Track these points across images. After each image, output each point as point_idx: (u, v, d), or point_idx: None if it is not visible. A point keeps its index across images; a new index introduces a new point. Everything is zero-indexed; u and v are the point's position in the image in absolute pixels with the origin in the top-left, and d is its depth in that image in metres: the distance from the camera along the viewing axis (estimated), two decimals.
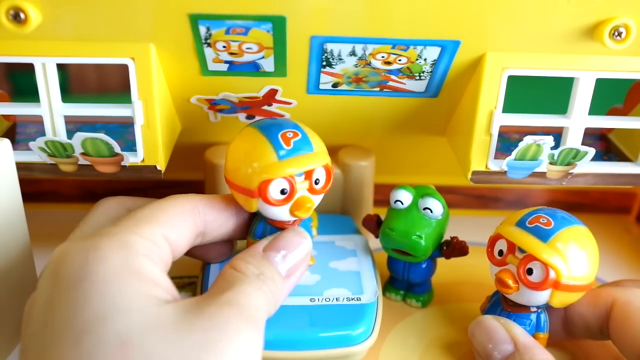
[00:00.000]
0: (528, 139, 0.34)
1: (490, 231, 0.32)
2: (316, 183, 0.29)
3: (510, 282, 0.29)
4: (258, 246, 0.28)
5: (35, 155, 0.34)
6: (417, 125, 0.40)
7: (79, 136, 0.33)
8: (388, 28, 0.31)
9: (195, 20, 0.30)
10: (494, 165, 0.35)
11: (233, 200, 0.30)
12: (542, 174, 0.36)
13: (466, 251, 0.35)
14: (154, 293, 0.23)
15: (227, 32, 0.31)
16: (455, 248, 0.34)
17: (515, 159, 0.34)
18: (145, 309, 0.23)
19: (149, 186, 0.47)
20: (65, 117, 0.34)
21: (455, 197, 0.48)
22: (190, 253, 0.32)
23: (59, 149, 0.33)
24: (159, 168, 0.35)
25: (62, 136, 0.34)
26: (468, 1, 0.30)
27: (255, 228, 0.31)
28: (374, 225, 0.36)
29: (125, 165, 0.34)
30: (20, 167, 0.35)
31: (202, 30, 0.31)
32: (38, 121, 0.39)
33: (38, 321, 0.23)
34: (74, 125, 0.40)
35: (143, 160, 0.34)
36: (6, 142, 0.29)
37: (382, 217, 0.36)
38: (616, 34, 0.31)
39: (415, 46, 0.32)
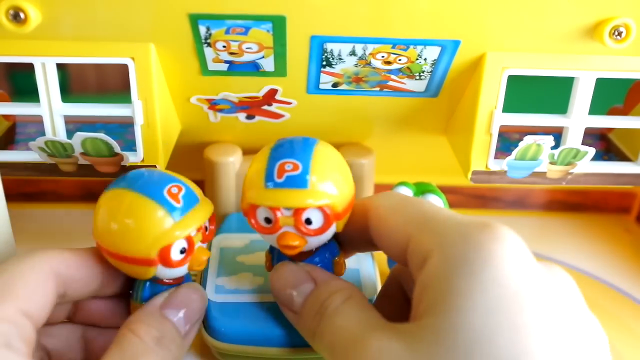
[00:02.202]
0: (528, 139, 0.33)
1: None
2: (206, 230, 0.28)
3: (297, 242, 0.27)
4: (154, 304, 0.27)
5: (35, 155, 0.34)
6: (417, 125, 0.40)
7: (79, 136, 0.33)
8: (388, 28, 0.31)
9: (195, 20, 0.30)
10: (494, 165, 0.35)
11: (98, 254, 0.28)
12: (542, 174, 0.36)
13: None
14: None
15: (227, 32, 0.31)
16: None
17: (515, 159, 0.34)
18: None
19: None
20: (65, 117, 0.34)
21: (455, 197, 0.48)
22: (73, 319, 0.29)
23: (59, 149, 0.33)
24: (158, 168, 0.34)
25: (62, 136, 0.34)
26: (468, 1, 0.30)
27: (142, 291, 0.28)
28: None
29: (125, 165, 0.34)
30: (20, 167, 0.35)
31: (202, 30, 0.31)
32: (38, 121, 0.39)
33: None
34: (73, 125, 0.40)
35: (143, 160, 0.34)
36: None
37: None
38: (616, 33, 0.31)
39: (415, 46, 0.32)
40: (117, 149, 0.33)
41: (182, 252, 0.27)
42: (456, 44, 0.32)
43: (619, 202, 0.48)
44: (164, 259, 0.26)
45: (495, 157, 0.35)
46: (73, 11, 0.30)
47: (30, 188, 0.46)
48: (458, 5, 0.30)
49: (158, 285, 0.28)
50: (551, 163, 0.35)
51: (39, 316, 0.24)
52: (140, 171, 0.28)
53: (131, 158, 0.34)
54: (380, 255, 0.36)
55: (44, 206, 0.47)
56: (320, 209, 0.26)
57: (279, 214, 0.27)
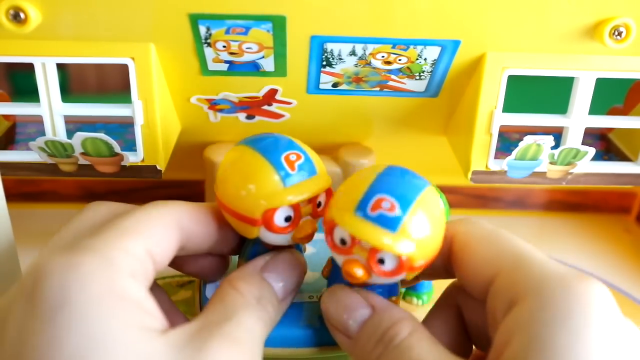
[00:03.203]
0: (528, 139, 0.33)
1: None
2: (318, 206, 0.28)
3: (360, 272, 0.26)
4: (255, 265, 0.27)
5: (35, 155, 0.34)
6: (417, 125, 0.40)
7: (79, 136, 0.33)
8: (388, 28, 0.31)
9: (195, 20, 0.30)
10: (494, 165, 0.35)
11: (218, 212, 0.28)
12: (542, 174, 0.36)
13: None
14: (144, 323, 0.21)
15: (227, 32, 0.31)
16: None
17: (515, 159, 0.34)
18: (134, 345, 0.20)
19: (149, 186, 0.47)
20: (65, 117, 0.34)
21: (455, 197, 0.48)
22: (181, 268, 0.30)
23: (59, 149, 0.33)
24: (159, 168, 0.35)
25: (62, 136, 0.34)
26: (468, 1, 0.30)
27: (249, 251, 0.29)
28: None
29: (125, 165, 0.34)
30: (20, 167, 0.35)
31: (202, 30, 0.31)
32: (38, 121, 0.39)
33: (11, 352, 0.20)
34: (73, 125, 0.40)
35: (143, 160, 0.34)
36: None
37: None
38: (616, 33, 0.31)
39: (415, 46, 0.32)
40: (117, 149, 0.33)
41: (287, 219, 0.27)
42: (456, 44, 0.32)
43: (619, 202, 0.48)
44: (267, 222, 0.26)
45: (495, 157, 0.35)
46: (73, 11, 0.30)
47: (30, 188, 0.46)
48: (458, 5, 0.30)
49: (265, 248, 0.28)
50: (551, 163, 0.35)
51: (161, 260, 0.25)
52: (269, 134, 0.28)
53: (131, 158, 0.34)
54: None
55: (44, 206, 0.47)
56: (398, 256, 0.25)
57: (356, 242, 0.26)
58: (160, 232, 0.25)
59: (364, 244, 0.26)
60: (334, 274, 0.30)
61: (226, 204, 0.27)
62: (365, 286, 0.28)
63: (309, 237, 0.28)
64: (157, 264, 0.25)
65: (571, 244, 0.45)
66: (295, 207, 0.27)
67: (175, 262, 0.29)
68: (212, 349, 0.21)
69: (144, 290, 0.22)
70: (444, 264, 0.27)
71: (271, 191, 0.26)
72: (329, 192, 0.28)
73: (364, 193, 0.26)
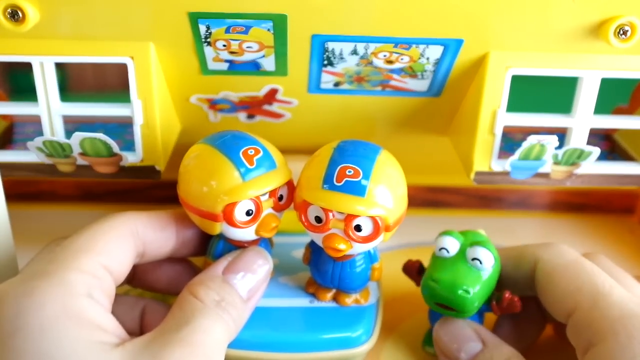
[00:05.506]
0: (532, 139, 0.33)
1: (492, 232, 0.31)
2: (280, 199, 0.29)
3: (342, 245, 0.27)
4: (217, 268, 0.27)
5: (33, 155, 0.34)
6: (420, 125, 0.40)
7: (78, 136, 0.32)
8: (390, 27, 0.31)
9: (195, 18, 0.30)
10: (497, 166, 0.35)
11: (175, 217, 0.29)
12: (546, 175, 0.35)
13: (518, 308, 0.29)
14: (98, 338, 0.22)
15: (227, 31, 0.31)
16: (505, 305, 0.29)
17: (518, 159, 0.34)
18: (89, 358, 0.21)
19: (148, 187, 0.46)
20: (64, 116, 0.34)
21: (457, 198, 0.48)
22: (145, 278, 0.31)
23: (57, 149, 0.33)
24: (158, 168, 0.34)
25: (60, 136, 0.34)
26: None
27: (215, 249, 0.29)
28: (415, 272, 0.32)
29: (124, 166, 0.34)
30: (18, 167, 0.34)
31: (202, 28, 0.31)
32: (36, 121, 0.39)
33: None
34: (72, 125, 0.40)
35: (142, 161, 0.34)
36: None
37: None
38: (621, 32, 0.31)
39: (417, 45, 0.32)
40: (115, 149, 0.33)
41: (248, 214, 0.27)
42: (459, 43, 0.32)
43: (623, 202, 0.48)
44: (228, 217, 0.27)
45: (499, 158, 0.35)
46: (72, 10, 0.30)
47: (28, 188, 0.46)
48: (461, 4, 0.30)
49: (230, 245, 0.29)
50: (555, 163, 0.35)
51: (118, 272, 0.26)
52: (227, 131, 0.29)
53: (130, 158, 0.34)
54: (384, 258, 0.36)
55: (42, 207, 0.47)
56: (372, 218, 0.27)
57: (330, 215, 0.27)
58: (115, 244, 0.26)
59: (338, 215, 0.27)
60: (314, 259, 0.30)
61: (188, 202, 0.28)
62: (347, 263, 0.29)
63: (272, 231, 0.28)
64: (116, 276, 0.26)
65: (574, 245, 0.44)
66: (255, 200, 0.27)
67: (139, 272, 0.30)
68: (167, 354, 0.22)
69: (100, 309, 0.23)
70: (527, 283, 0.30)
71: (231, 186, 0.27)
72: (290, 186, 0.29)
73: (327, 167, 0.27)
